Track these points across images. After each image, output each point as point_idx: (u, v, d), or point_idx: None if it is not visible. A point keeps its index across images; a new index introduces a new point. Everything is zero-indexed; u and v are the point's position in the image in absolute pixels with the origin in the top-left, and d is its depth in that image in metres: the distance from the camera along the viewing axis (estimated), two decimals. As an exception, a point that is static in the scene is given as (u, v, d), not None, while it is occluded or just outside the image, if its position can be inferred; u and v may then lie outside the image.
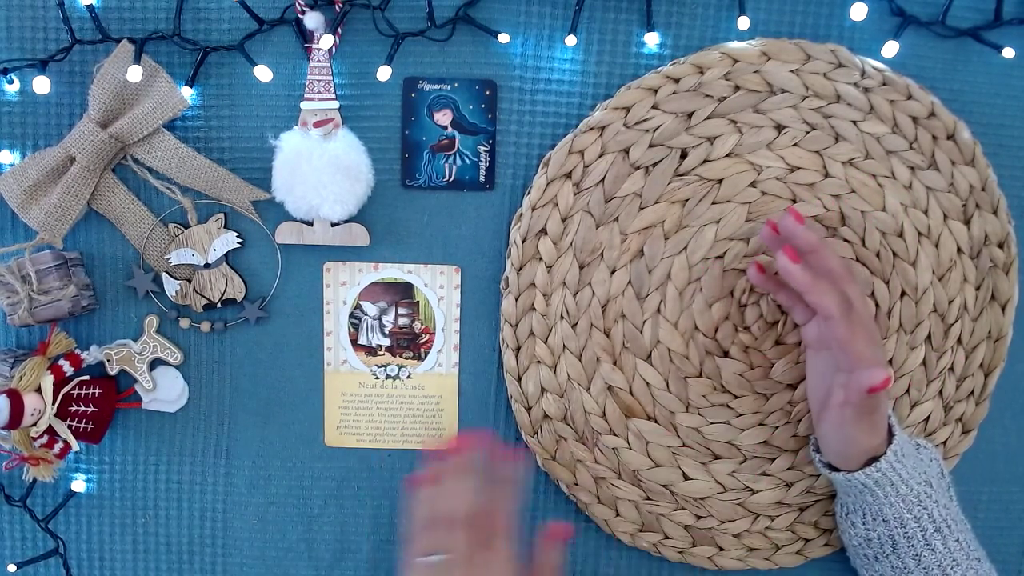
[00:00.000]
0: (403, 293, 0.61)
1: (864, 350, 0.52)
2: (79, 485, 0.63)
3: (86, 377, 0.59)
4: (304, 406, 0.63)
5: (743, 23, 0.57)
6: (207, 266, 0.59)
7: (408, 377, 0.62)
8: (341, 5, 0.56)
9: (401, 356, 0.62)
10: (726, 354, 0.60)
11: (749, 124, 0.57)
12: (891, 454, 0.54)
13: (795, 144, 0.58)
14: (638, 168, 0.58)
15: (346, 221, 0.58)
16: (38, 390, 0.56)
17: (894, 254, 0.59)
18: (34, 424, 0.56)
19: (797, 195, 0.58)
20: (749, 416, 0.60)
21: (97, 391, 0.59)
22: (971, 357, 0.61)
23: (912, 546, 0.55)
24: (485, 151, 0.59)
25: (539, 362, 0.60)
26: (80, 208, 0.57)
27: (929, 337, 0.60)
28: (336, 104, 0.57)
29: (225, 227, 0.59)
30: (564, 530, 0.54)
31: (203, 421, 0.63)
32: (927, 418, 0.61)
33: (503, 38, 0.57)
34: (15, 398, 0.54)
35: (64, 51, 0.57)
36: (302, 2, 0.56)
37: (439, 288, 0.61)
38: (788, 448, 0.61)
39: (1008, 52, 0.58)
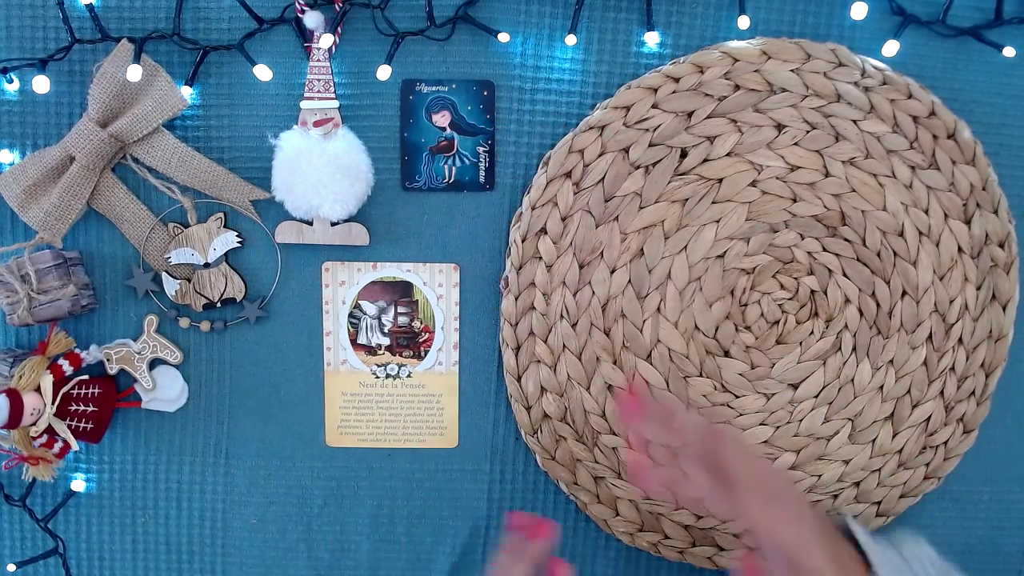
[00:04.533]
0: (402, 292, 0.61)
1: (759, 515, 0.44)
2: (79, 485, 0.63)
3: (86, 377, 0.59)
4: (304, 406, 0.63)
5: (743, 22, 0.57)
6: (207, 265, 0.59)
7: (408, 376, 0.62)
8: (341, 4, 0.56)
9: (401, 355, 0.62)
10: (726, 354, 0.60)
11: (749, 123, 0.57)
12: None
13: (795, 143, 0.57)
14: (638, 167, 0.58)
15: (346, 220, 0.58)
16: (37, 389, 0.56)
17: (895, 253, 0.59)
18: (34, 424, 0.56)
19: (797, 194, 0.58)
20: (750, 416, 0.60)
21: (97, 391, 0.59)
22: (972, 357, 0.60)
23: None
24: (484, 152, 0.59)
25: (539, 361, 0.60)
26: (80, 207, 0.57)
27: (930, 337, 0.60)
28: (336, 103, 0.57)
29: (225, 226, 0.59)
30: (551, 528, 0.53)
31: (203, 421, 0.63)
32: (928, 418, 0.61)
33: (503, 37, 0.57)
34: (14, 397, 0.54)
35: (64, 50, 0.57)
36: (302, 1, 0.56)
37: (438, 287, 0.61)
38: (789, 448, 0.61)
39: (1009, 51, 0.58)
